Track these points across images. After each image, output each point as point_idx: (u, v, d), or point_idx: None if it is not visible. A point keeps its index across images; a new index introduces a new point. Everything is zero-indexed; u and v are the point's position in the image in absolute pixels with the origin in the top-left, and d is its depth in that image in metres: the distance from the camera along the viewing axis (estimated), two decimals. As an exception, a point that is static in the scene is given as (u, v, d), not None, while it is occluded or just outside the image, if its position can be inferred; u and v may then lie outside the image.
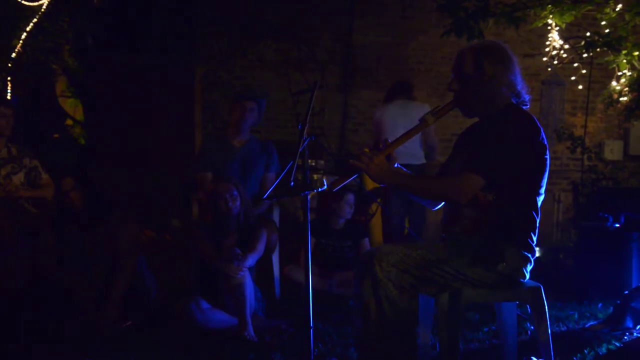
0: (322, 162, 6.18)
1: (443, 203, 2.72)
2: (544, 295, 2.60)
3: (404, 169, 2.73)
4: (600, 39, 5.25)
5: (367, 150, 2.53)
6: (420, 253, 2.46)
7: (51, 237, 3.91)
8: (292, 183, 2.75)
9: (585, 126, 6.85)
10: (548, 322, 2.61)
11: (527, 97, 2.63)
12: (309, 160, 2.86)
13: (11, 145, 4.41)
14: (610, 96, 6.19)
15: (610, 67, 5.69)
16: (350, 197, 4.73)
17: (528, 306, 2.68)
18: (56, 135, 6.89)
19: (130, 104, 6.52)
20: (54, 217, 4.07)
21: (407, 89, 5.68)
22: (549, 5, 5.04)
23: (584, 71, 6.31)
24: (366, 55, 7.16)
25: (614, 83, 6.09)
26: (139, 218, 4.07)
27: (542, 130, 2.53)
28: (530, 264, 2.57)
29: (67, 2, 5.89)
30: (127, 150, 6.46)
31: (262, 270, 4.28)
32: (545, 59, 6.21)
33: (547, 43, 6.10)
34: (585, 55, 5.70)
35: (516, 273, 2.54)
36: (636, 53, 5.28)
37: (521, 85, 2.60)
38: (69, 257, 3.88)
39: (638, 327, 3.74)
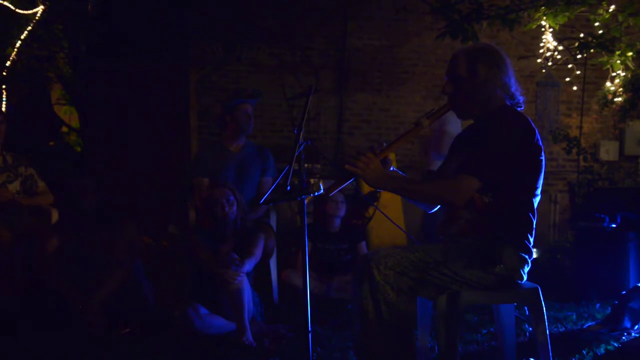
0: (318, 166, 6.19)
1: (440, 205, 2.73)
2: (541, 297, 2.60)
3: (400, 172, 2.73)
4: (594, 40, 5.27)
5: (362, 154, 2.53)
6: (417, 255, 2.46)
7: (52, 243, 3.89)
8: (288, 187, 2.74)
9: (580, 127, 6.86)
10: (546, 323, 2.61)
11: (521, 99, 2.64)
12: (305, 165, 2.86)
13: (6, 153, 4.39)
14: (605, 97, 6.23)
15: (605, 68, 5.72)
16: (337, 195, 4.74)
17: (526, 307, 2.69)
18: (52, 143, 6.89)
19: (125, 110, 6.51)
20: (62, 219, 4.05)
21: None
22: (543, 7, 5.07)
23: (578, 72, 6.34)
24: (360, 59, 7.18)
25: (608, 84, 6.12)
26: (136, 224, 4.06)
27: (536, 132, 2.54)
28: (528, 265, 2.58)
29: (61, 10, 5.89)
30: (123, 156, 6.45)
31: (260, 275, 4.27)
32: (539, 60, 6.23)
33: (541, 45, 6.13)
34: (579, 56, 5.73)
35: (514, 274, 2.54)
36: (630, 53, 5.31)
37: (515, 87, 2.61)
38: (70, 262, 3.87)
39: (636, 327, 3.74)
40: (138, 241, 4.00)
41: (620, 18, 5.13)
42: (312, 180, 5.93)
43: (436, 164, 4.89)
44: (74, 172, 4.25)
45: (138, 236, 4.01)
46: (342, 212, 4.80)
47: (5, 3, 5.40)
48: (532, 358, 3.08)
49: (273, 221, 4.68)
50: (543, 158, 2.56)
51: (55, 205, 4.52)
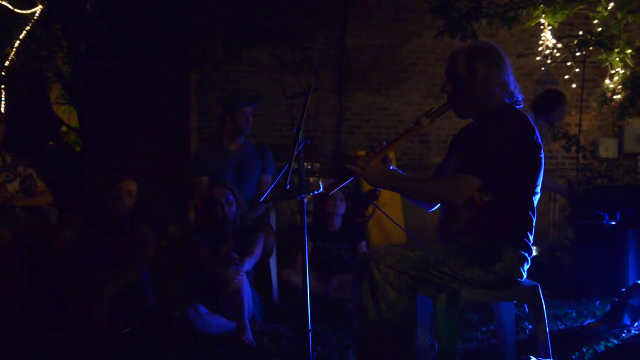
0: (317, 164, 6.20)
1: (439, 204, 2.73)
2: (541, 294, 2.60)
3: (400, 171, 2.73)
4: (593, 38, 5.27)
5: (362, 153, 2.53)
6: (417, 254, 2.46)
7: (65, 236, 3.90)
8: (288, 186, 2.75)
9: (579, 125, 6.86)
10: (546, 321, 2.61)
11: (520, 97, 2.64)
12: (305, 163, 2.86)
13: (5, 153, 4.39)
14: (604, 94, 6.22)
15: (603, 66, 5.72)
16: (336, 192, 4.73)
17: (526, 305, 2.69)
18: (51, 143, 6.88)
19: (125, 110, 6.51)
20: (79, 216, 4.06)
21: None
22: (542, 5, 5.06)
23: (577, 70, 6.33)
24: (360, 58, 7.17)
25: (607, 81, 6.11)
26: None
27: (536, 130, 2.54)
28: (528, 263, 2.58)
29: (60, 9, 5.88)
30: (122, 156, 6.44)
31: (259, 274, 4.28)
32: (538, 58, 6.23)
33: (540, 42, 6.13)
34: (578, 54, 5.73)
35: (513, 272, 2.54)
36: (629, 51, 5.31)
37: (514, 85, 2.61)
38: (80, 260, 3.88)
39: (636, 324, 3.75)
40: (151, 247, 4.00)
41: (619, 15, 5.13)
42: (311, 179, 5.94)
43: None
44: (114, 174, 4.24)
45: (152, 242, 4.01)
46: (341, 209, 4.80)
47: (4, 3, 5.39)
48: (532, 356, 3.07)
49: (273, 220, 4.68)
50: (542, 156, 2.56)
51: (54, 205, 4.52)
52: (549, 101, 4.90)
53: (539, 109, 4.88)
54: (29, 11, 5.59)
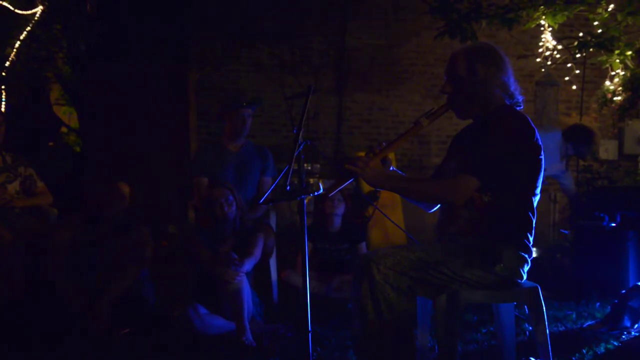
0: (317, 165, 6.19)
1: (439, 205, 2.73)
2: (541, 296, 2.60)
3: (399, 172, 2.73)
4: (593, 39, 5.28)
5: (362, 154, 2.53)
6: (417, 255, 2.46)
7: (63, 237, 3.90)
8: (288, 187, 2.75)
9: (579, 126, 6.85)
10: (546, 323, 2.61)
11: (520, 98, 2.64)
12: (305, 164, 2.86)
13: (5, 153, 4.39)
14: (604, 96, 6.23)
15: (604, 67, 5.73)
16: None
17: (526, 307, 2.69)
18: (51, 144, 6.88)
19: (125, 110, 6.51)
20: (76, 218, 4.06)
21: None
22: (542, 6, 5.07)
23: (577, 71, 6.34)
24: (360, 58, 7.18)
25: (607, 83, 6.12)
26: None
27: (536, 131, 2.54)
28: (527, 265, 2.58)
29: (60, 10, 5.88)
30: (122, 156, 6.45)
31: (259, 275, 4.27)
32: (538, 59, 6.24)
33: (540, 44, 6.14)
34: (578, 55, 5.74)
35: (513, 274, 2.54)
36: (629, 52, 5.32)
37: (514, 87, 2.61)
38: (79, 261, 3.88)
39: (636, 326, 3.75)
40: (150, 247, 4.00)
41: (619, 17, 5.13)
42: (311, 180, 5.94)
43: None
44: (107, 176, 4.24)
45: (150, 242, 4.01)
46: (339, 210, 4.79)
47: (4, 3, 5.40)
48: (532, 357, 3.08)
49: (272, 221, 4.68)
50: (542, 157, 2.56)
51: (54, 205, 4.52)
52: (583, 137, 5.19)
53: (572, 140, 5.17)
54: (29, 12, 5.59)
